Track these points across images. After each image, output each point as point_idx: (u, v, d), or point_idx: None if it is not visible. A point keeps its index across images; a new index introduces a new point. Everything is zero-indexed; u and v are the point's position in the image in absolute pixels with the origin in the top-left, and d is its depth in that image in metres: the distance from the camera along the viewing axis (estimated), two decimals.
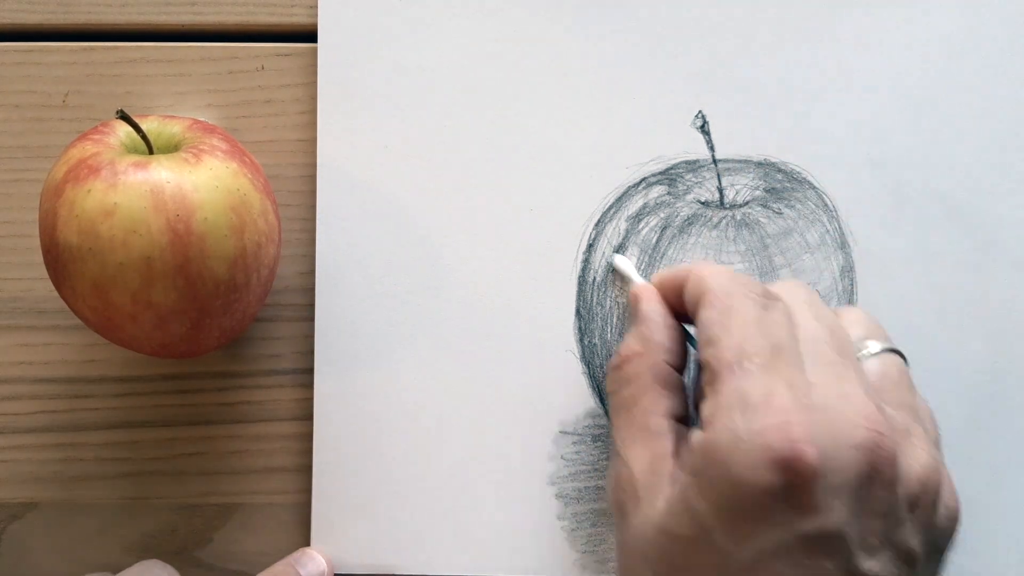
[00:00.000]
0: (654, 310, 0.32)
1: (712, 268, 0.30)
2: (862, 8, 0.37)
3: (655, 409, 0.30)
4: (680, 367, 0.31)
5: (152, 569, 0.34)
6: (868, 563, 0.26)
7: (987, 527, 0.37)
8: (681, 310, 0.31)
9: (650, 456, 0.29)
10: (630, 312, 0.33)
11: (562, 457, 0.37)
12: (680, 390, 0.31)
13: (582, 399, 0.37)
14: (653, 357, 0.31)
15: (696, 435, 0.27)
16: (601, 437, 0.37)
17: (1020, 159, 0.37)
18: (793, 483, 0.25)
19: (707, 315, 0.29)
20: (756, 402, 0.26)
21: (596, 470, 0.37)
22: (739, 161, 0.37)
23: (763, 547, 0.26)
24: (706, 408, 0.27)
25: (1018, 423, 0.37)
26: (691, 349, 0.32)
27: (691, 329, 0.32)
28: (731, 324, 0.28)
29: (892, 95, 0.37)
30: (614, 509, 0.30)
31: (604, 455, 0.37)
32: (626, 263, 0.36)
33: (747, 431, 0.26)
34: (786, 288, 0.30)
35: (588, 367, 0.37)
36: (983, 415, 0.37)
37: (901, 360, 0.30)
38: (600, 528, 0.37)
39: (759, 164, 0.37)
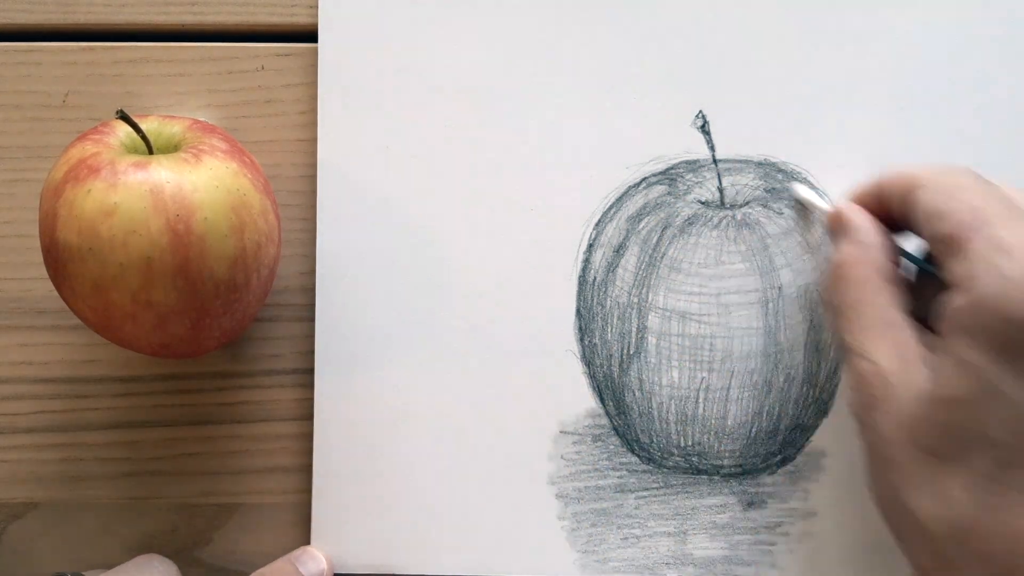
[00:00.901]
0: (862, 217, 0.33)
1: (908, 165, 0.32)
2: (862, 9, 0.37)
3: (891, 303, 0.31)
4: (897, 266, 0.32)
5: (151, 563, 0.34)
6: None
7: None
8: (882, 217, 0.33)
9: (895, 347, 0.30)
10: (831, 231, 0.34)
11: (562, 457, 0.37)
12: (905, 286, 0.31)
13: (582, 399, 0.37)
14: (875, 257, 0.32)
15: (955, 298, 0.28)
16: (601, 437, 0.37)
17: (1020, 159, 0.37)
18: None
19: (929, 195, 0.30)
20: (1013, 244, 0.27)
21: (596, 470, 0.37)
22: (739, 161, 0.37)
23: None
24: (959, 268, 0.28)
25: None
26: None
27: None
28: (958, 194, 0.29)
29: (892, 96, 0.37)
30: (859, 410, 0.30)
31: (604, 455, 0.37)
32: (807, 191, 0.36)
33: (1014, 270, 0.27)
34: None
35: (588, 367, 0.37)
36: None
37: None
38: (600, 528, 0.37)
39: (759, 164, 0.37)
